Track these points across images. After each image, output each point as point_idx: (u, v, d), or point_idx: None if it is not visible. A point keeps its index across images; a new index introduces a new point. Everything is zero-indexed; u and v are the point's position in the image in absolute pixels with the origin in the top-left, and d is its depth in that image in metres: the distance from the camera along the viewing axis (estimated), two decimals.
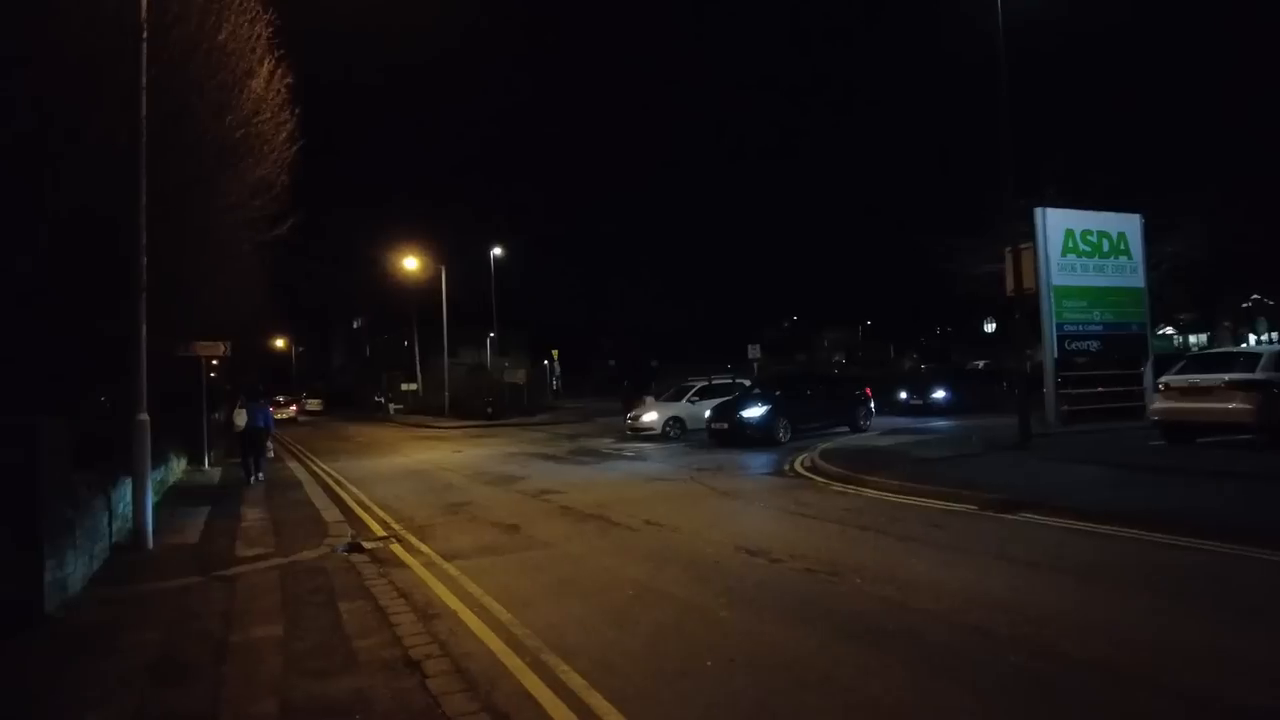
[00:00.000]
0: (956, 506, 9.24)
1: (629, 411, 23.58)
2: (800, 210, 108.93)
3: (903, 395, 26.10)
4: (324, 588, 6.65)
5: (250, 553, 8.18)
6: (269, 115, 10.95)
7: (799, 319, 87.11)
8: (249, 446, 15.10)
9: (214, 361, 21.72)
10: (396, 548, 8.51)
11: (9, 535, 5.71)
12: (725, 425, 18.24)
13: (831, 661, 4.47)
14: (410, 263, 41.30)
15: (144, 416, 8.29)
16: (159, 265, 9.12)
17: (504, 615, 5.60)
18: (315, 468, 18.12)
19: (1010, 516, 8.52)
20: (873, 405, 20.90)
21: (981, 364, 60.86)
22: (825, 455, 14.27)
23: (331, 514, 10.69)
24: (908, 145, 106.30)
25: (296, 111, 11.55)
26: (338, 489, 13.83)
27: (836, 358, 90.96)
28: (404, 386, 54.33)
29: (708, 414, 19.56)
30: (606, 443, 20.96)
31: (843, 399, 20.51)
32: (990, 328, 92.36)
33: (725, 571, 6.66)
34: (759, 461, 14.77)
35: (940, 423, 21.22)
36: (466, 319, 47.08)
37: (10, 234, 8.75)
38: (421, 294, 53.25)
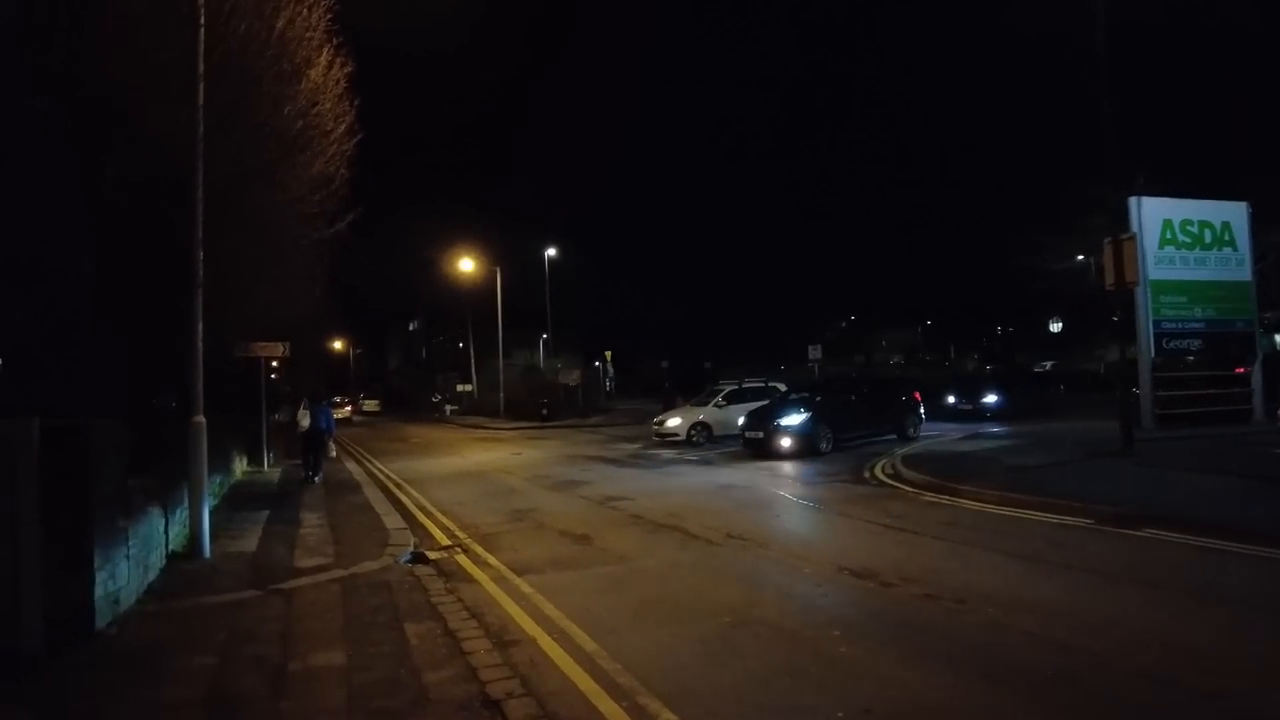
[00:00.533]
0: (1069, 520, 8.33)
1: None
2: (859, 207, 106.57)
3: (951, 399, 24.52)
4: (388, 606, 6.12)
5: (309, 563, 7.73)
6: (328, 106, 10.60)
7: (857, 319, 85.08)
8: (310, 446, 15.31)
9: (273, 363, 21.78)
10: (462, 559, 7.98)
11: (59, 547, 5.30)
12: (760, 434, 16.39)
13: (992, 718, 3.73)
14: (466, 264, 41.26)
15: (200, 419, 7.91)
16: (217, 261, 8.79)
17: (588, 644, 4.97)
18: (374, 469, 17.86)
19: (1134, 533, 7.60)
20: (922, 411, 19.06)
21: (1049, 365, 58.72)
22: (907, 461, 13.39)
23: (392, 520, 10.24)
24: (973, 137, 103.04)
25: (356, 103, 11.18)
26: (397, 492, 13.45)
27: (895, 359, 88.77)
28: (459, 388, 54.55)
29: (741, 420, 17.81)
30: (667, 448, 20.29)
31: (890, 404, 18.59)
32: (1057, 327, 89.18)
33: (831, 597, 5.93)
34: (829, 469, 13.93)
35: (994, 428, 19.87)
36: (519, 321, 46.92)
37: (72, 235, 8.52)
38: (476, 296, 53.40)
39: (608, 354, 52.15)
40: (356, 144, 11.46)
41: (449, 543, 8.88)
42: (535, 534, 9.12)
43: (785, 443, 15.77)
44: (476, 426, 36.56)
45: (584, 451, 19.78)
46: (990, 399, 23.64)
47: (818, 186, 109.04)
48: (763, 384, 22.47)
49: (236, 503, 12.20)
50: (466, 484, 14.39)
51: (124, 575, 5.94)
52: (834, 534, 8.46)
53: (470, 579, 7.07)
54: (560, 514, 10.36)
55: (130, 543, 6.13)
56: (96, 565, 5.44)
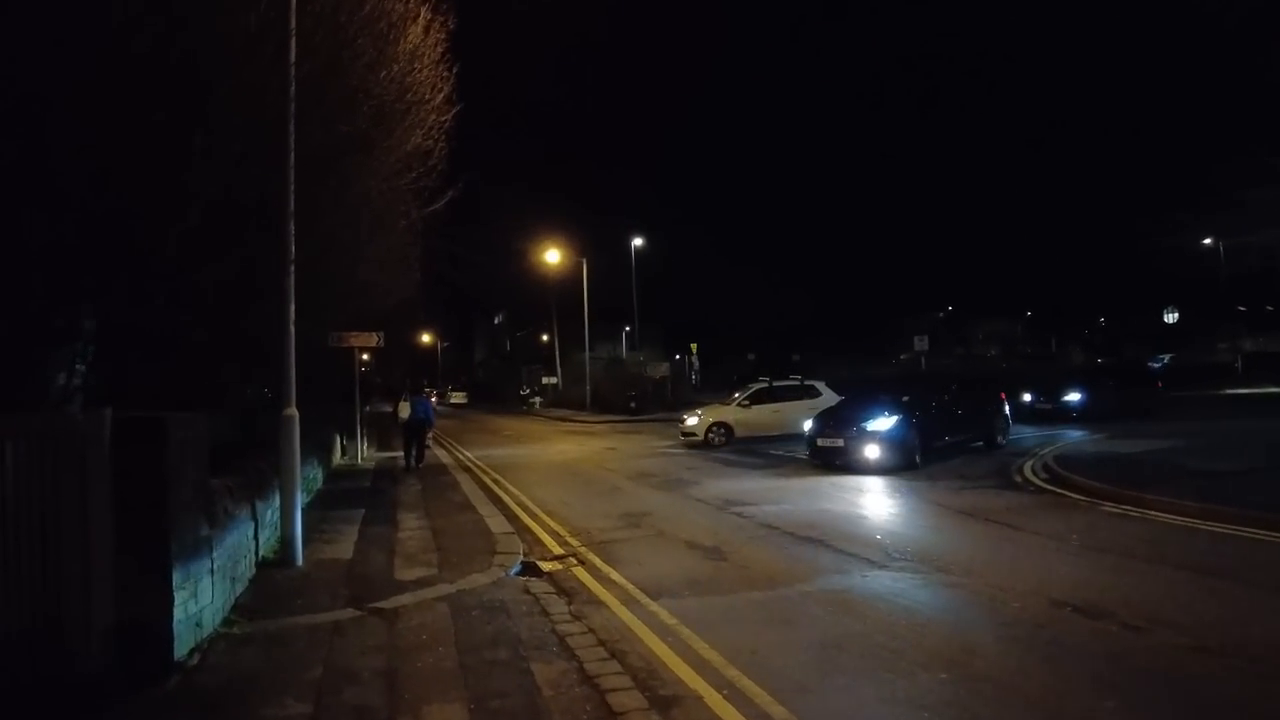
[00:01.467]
0: None
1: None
2: (958, 191, 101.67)
3: (1027, 398, 21.67)
4: (507, 635, 5.12)
5: (411, 575, 6.84)
6: (425, 73, 9.72)
7: (955, 309, 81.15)
8: (411, 436, 16.04)
9: (364, 356, 21.47)
10: (581, 573, 6.95)
11: (132, 563, 4.50)
12: (840, 442, 13.04)
13: None
14: (552, 255, 40.71)
15: (292, 411, 7.13)
16: (310, 240, 8.04)
17: (776, 709, 3.82)
18: (468, 462, 17.20)
19: None
20: (1009, 412, 16.38)
21: (1167, 359, 54.17)
22: (1064, 463, 11.75)
23: (496, 522, 9.35)
24: (1089, 114, 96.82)
25: (455, 69, 10.29)
26: (496, 489, 12.63)
27: (993, 351, 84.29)
28: (544, 380, 54.37)
29: (808, 425, 14.48)
30: (771, 444, 18.96)
31: (981, 407, 15.62)
32: (1172, 318, 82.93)
33: (1063, 643, 4.60)
34: (975, 470, 12.38)
35: (1074, 433, 17.25)
36: (602, 313, 46.13)
37: (159, 210, 7.89)
38: (560, 288, 53.16)
39: (693, 346, 51.01)
40: (455, 115, 10.60)
41: (561, 551, 7.89)
42: (658, 544, 8.04)
43: (872, 452, 12.54)
44: (564, 419, 35.97)
45: (680, 447, 18.65)
46: (1073, 397, 20.49)
47: (913, 170, 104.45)
48: (798, 382, 20.58)
49: (331, 500, 11.59)
50: (566, 480, 13.48)
51: (207, 593, 5.12)
52: (1021, 554, 7.03)
53: (596, 600, 6.02)
54: (679, 519, 9.25)
55: (215, 554, 5.32)
56: (176, 584, 4.62)
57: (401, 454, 18.24)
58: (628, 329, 65.87)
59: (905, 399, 14.02)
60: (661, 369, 36.68)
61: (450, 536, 8.54)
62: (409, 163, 10.09)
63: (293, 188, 7.15)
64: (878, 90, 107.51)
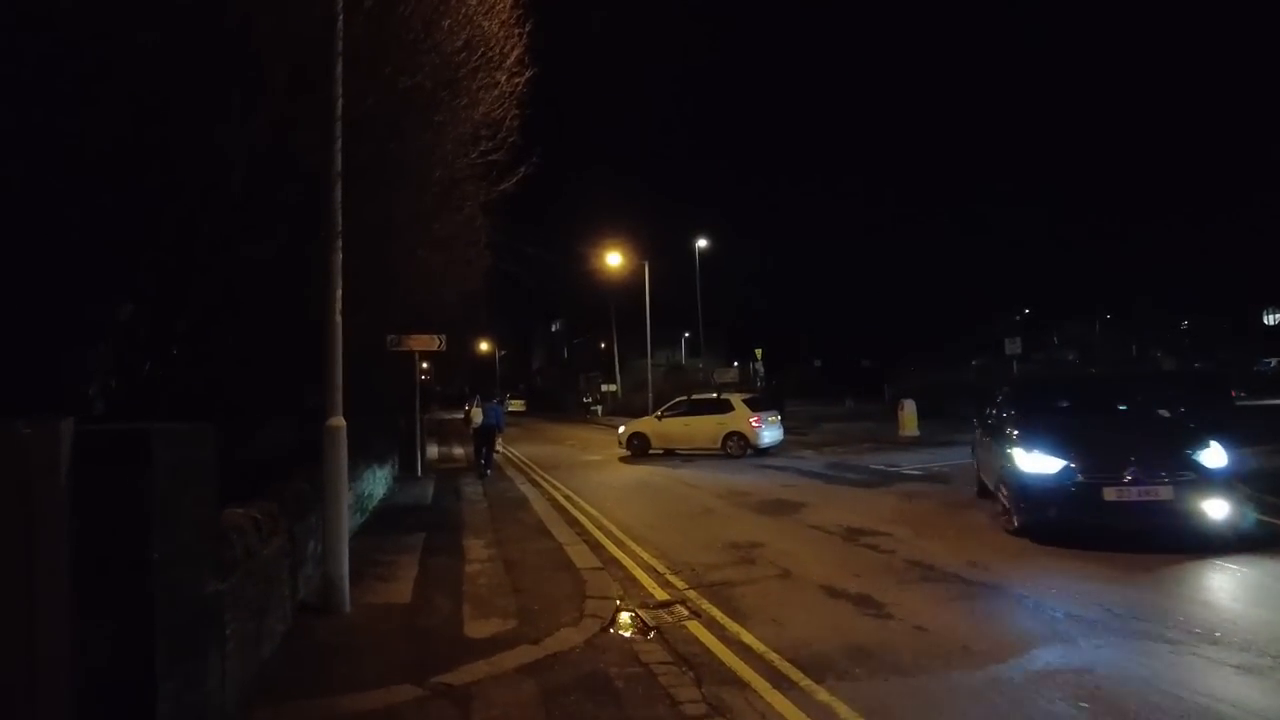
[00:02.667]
0: None
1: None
2: (1032, 188, 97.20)
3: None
4: None
5: (485, 629, 5.37)
6: (495, 25, 8.34)
7: (1030, 312, 77.24)
8: (482, 441, 16.48)
9: (423, 365, 20.30)
10: (699, 629, 5.38)
11: (99, 642, 3.11)
12: (1154, 492, 7.01)
13: None
14: (614, 258, 39.34)
15: (339, 421, 5.76)
16: (368, 205, 6.73)
17: None
18: (535, 475, 15.81)
19: None
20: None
21: (1275, 362, 49.99)
22: None
23: (579, 552, 7.87)
24: (1147, 98, 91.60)
25: (527, 27, 8.90)
26: (570, 507, 11.17)
27: (1070, 356, 79.84)
28: (603, 388, 53.14)
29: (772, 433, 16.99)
30: (862, 456, 17.13)
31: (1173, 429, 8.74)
32: (1275, 319, 77.91)
33: None
34: None
35: None
36: (662, 319, 44.23)
37: (194, 175, 6.65)
38: (619, 293, 51.98)
39: (758, 352, 49.09)
40: (529, 81, 9.19)
41: (666, 595, 6.32)
42: (788, 590, 6.40)
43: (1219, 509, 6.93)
44: None
45: (766, 460, 16.94)
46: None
47: (985, 169, 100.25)
48: (714, 397, 20.45)
49: (388, 521, 10.26)
50: (647, 498, 11.93)
51: (215, 672, 3.70)
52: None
53: (733, 678, 4.43)
54: (799, 554, 7.60)
55: (229, 616, 3.92)
56: (162, 670, 3.21)
57: (464, 465, 17.24)
58: (687, 335, 64.43)
59: (1063, 403, 9.45)
60: (729, 374, 34.94)
61: (527, 571, 7.06)
62: (477, 133, 8.72)
63: (339, 143, 5.79)
64: (958, 86, 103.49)
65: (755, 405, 19.11)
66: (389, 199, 7.59)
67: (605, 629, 5.46)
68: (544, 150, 9.72)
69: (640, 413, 41.43)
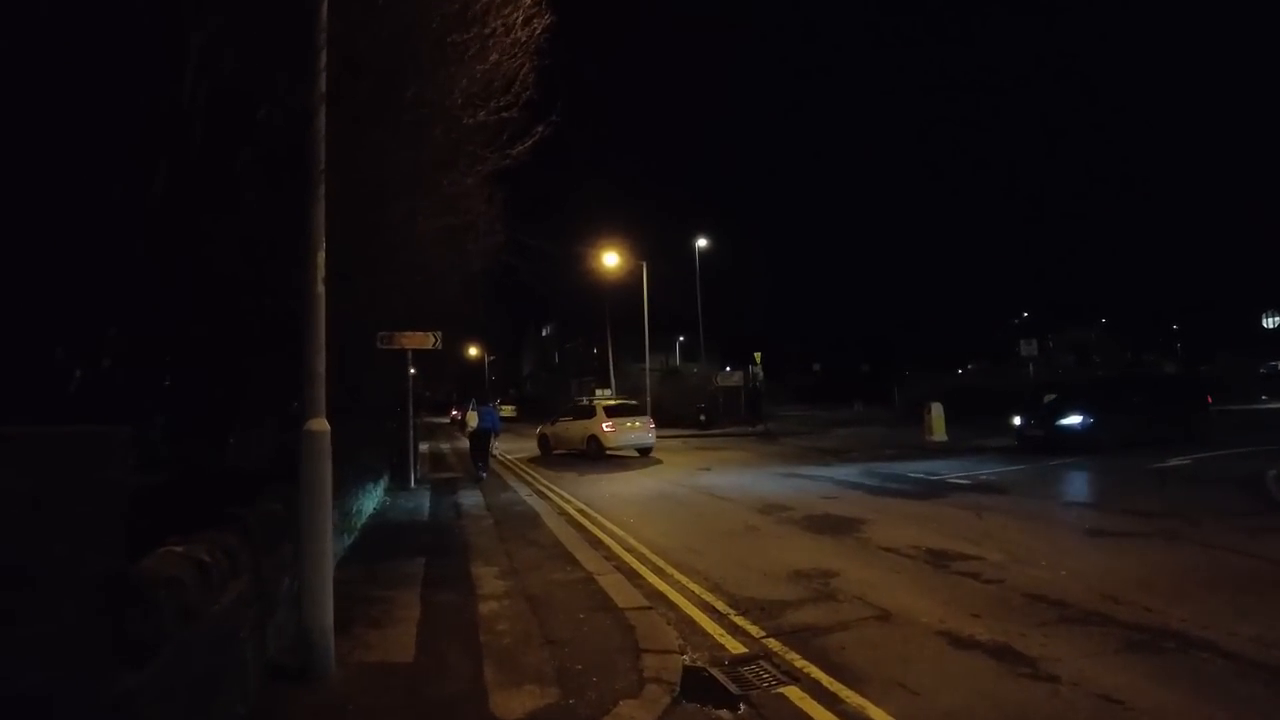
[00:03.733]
0: None
1: None
2: (1027, 194, 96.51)
3: (1017, 421, 17.61)
4: None
5: (519, 705, 3.97)
6: None
7: (1030, 315, 76.47)
8: (478, 444, 16.48)
9: (411, 372, 18.78)
10: (804, 701, 4.03)
11: None
12: None
13: None
14: (611, 259, 37.87)
15: (321, 424, 4.35)
16: (358, 152, 5.35)
17: None
18: (542, 485, 14.37)
19: None
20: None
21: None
22: None
23: (612, 582, 6.48)
24: (1149, 103, 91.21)
25: None
26: (588, 524, 9.77)
27: (1067, 359, 79.02)
28: (597, 393, 51.53)
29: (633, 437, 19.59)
30: (894, 463, 15.81)
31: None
32: (1273, 322, 76.89)
33: None
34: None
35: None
36: (654, 325, 42.55)
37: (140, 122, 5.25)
38: (613, 296, 50.82)
39: (757, 356, 47.76)
40: (545, 31, 7.82)
41: (741, 648, 4.94)
42: (896, 637, 5.03)
43: None
44: None
45: (791, 468, 15.58)
46: (1071, 420, 16.17)
47: (983, 173, 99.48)
48: (585, 403, 24.56)
49: (380, 542, 8.82)
50: (673, 512, 10.54)
51: None
52: None
53: None
54: (888, 586, 6.25)
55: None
56: None
57: (458, 475, 15.92)
58: (682, 339, 63.25)
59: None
60: (733, 378, 33.57)
61: (557, 612, 5.66)
62: (489, 84, 7.36)
63: (323, 56, 4.41)
64: (956, 93, 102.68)
65: (618, 412, 20.67)
66: (385, 152, 6.20)
67: (677, 700, 4.08)
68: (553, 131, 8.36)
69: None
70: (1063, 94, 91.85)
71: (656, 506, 11.26)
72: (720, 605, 5.90)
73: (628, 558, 7.71)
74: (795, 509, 10.26)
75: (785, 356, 62.02)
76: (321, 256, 4.40)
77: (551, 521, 9.94)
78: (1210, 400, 18.49)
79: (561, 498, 12.57)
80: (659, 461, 18.45)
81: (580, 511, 10.97)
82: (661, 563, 7.42)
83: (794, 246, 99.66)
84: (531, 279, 13.94)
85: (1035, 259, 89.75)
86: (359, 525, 9.55)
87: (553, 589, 6.35)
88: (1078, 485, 11.84)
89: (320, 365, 4.33)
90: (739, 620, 5.53)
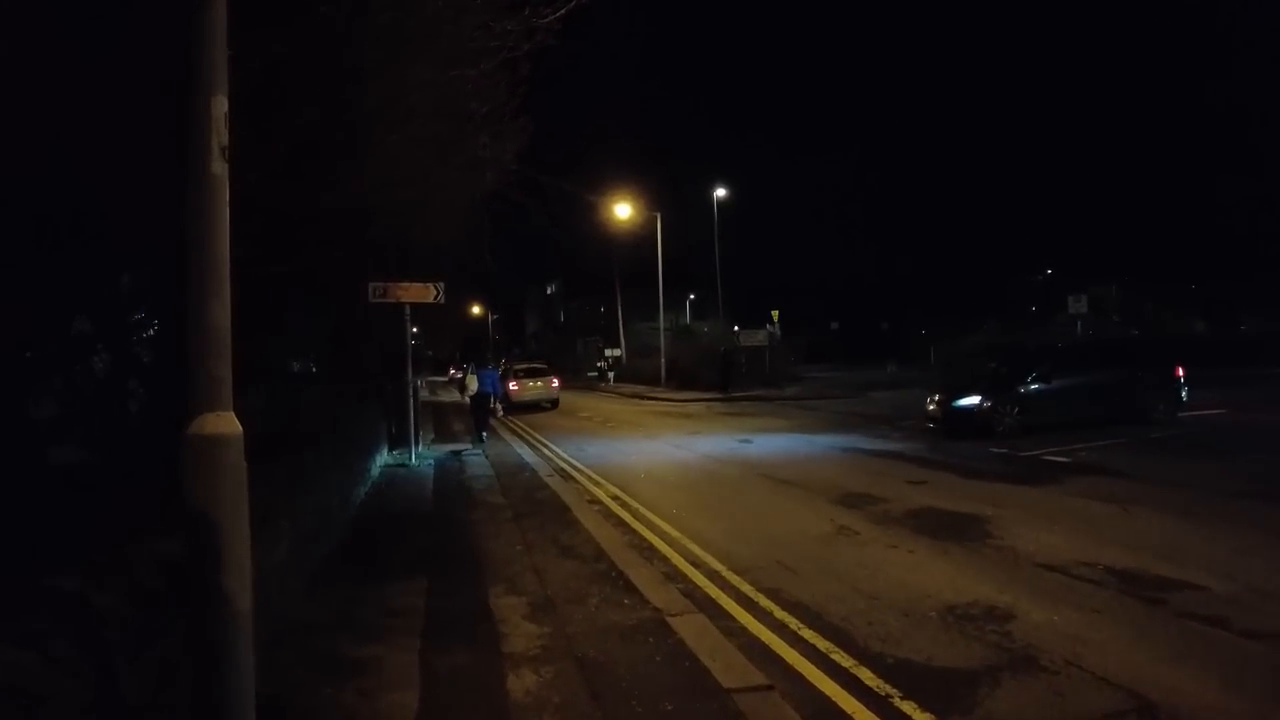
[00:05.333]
0: None
1: None
2: (1050, 144, 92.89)
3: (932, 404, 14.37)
4: None
5: None
6: None
7: (1054, 272, 73.88)
8: (479, 409, 15.96)
9: (413, 330, 16.75)
10: None
11: None
12: None
13: None
14: (623, 210, 35.41)
15: (221, 425, 2.28)
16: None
17: None
18: (560, 461, 12.43)
19: None
20: None
21: None
22: None
23: (694, 627, 4.52)
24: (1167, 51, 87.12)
25: None
26: (630, 519, 7.83)
27: (1088, 317, 76.58)
28: (607, 352, 49.53)
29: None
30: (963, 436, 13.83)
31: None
32: None
33: None
34: None
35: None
36: (665, 282, 40.12)
37: None
38: (623, 252, 48.60)
39: (775, 314, 45.63)
40: None
41: None
42: None
43: None
44: (640, 396, 31.13)
45: (847, 440, 13.60)
46: (970, 402, 13.35)
47: (1005, 121, 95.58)
48: (544, 366, 28.78)
49: (369, 546, 6.86)
50: (732, 503, 8.58)
51: None
52: None
53: None
54: (1106, 642, 4.26)
55: None
56: None
57: (467, 446, 14.05)
58: (692, 296, 61.04)
59: None
60: (758, 337, 31.43)
61: (630, 699, 3.69)
62: None
63: None
64: (978, 41, 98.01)
65: (525, 375, 26.64)
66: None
67: None
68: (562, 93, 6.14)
69: (651, 379, 38.23)
70: (1088, 53, 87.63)
71: (708, 493, 9.29)
72: (868, 677, 3.93)
73: (698, 578, 5.75)
74: (886, 500, 8.28)
75: (802, 313, 59.79)
76: (220, 108, 2.32)
77: (585, 517, 7.97)
78: (1180, 373, 14.37)
79: (589, 478, 10.59)
80: (695, 432, 16.47)
81: (615, 498, 9.03)
82: (749, 589, 5.46)
83: (814, 202, 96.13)
84: (545, 222, 11.73)
85: (1053, 213, 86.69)
86: (349, 518, 7.60)
87: (612, 644, 4.38)
88: (1205, 465, 9.84)
89: (218, 315, 2.28)
90: (911, 710, 3.57)
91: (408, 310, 11.96)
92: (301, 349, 14.44)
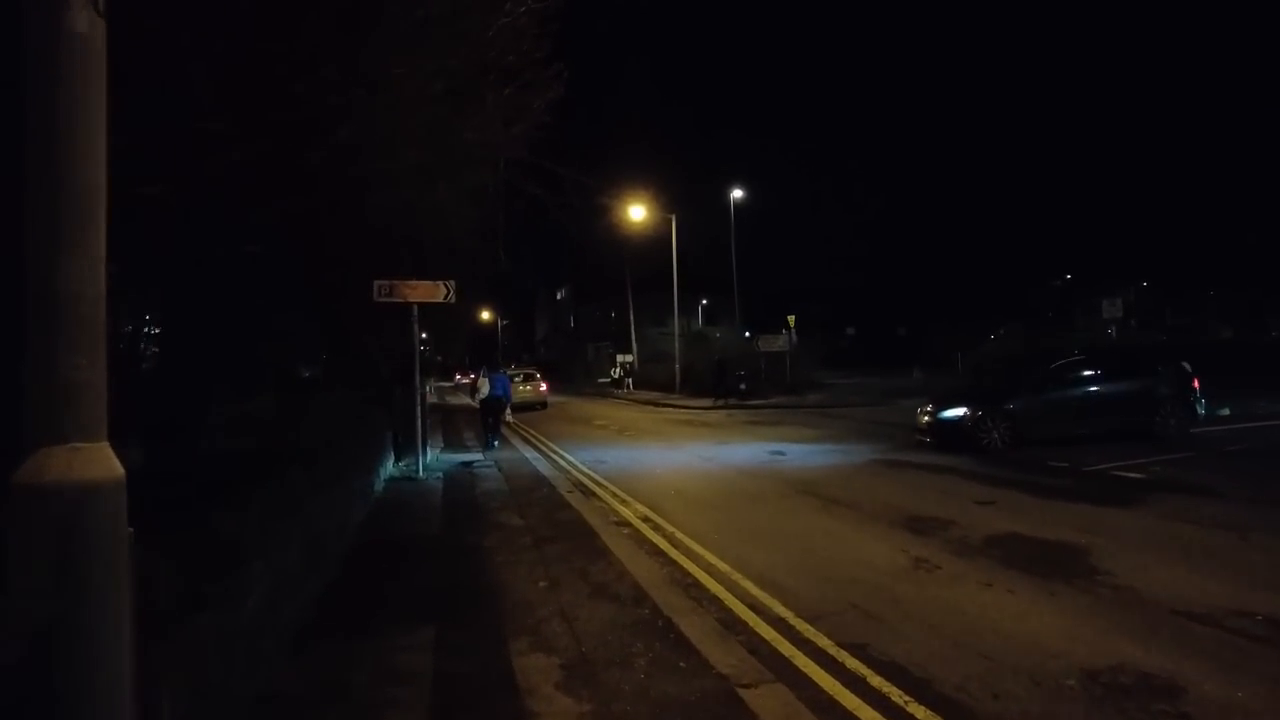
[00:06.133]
0: None
1: None
2: (1068, 149, 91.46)
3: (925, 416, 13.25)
4: None
5: None
6: None
7: (1073, 278, 72.50)
8: (489, 413, 15.74)
9: (423, 335, 15.91)
10: None
11: None
12: None
13: None
14: (637, 211, 34.41)
15: (91, 468, 1.29)
16: None
17: None
18: (578, 473, 11.45)
19: None
20: None
21: None
22: None
23: (781, 710, 3.53)
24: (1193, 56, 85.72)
25: None
26: (669, 549, 6.83)
27: (1109, 327, 75.30)
28: (620, 358, 48.57)
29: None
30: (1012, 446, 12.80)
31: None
32: None
33: None
34: None
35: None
36: (668, 287, 38.96)
37: None
38: (635, 256, 47.73)
39: (790, 319, 44.62)
40: None
41: None
42: None
43: None
44: (655, 404, 30.13)
45: (888, 453, 12.57)
46: (955, 413, 12.42)
47: (1018, 124, 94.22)
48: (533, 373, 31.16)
49: (368, 581, 5.88)
50: (784, 531, 7.58)
51: None
52: None
53: None
54: None
55: None
56: None
57: (478, 457, 13.17)
58: (705, 301, 60.05)
59: None
60: (777, 342, 30.37)
61: None
62: None
63: None
64: (996, 50, 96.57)
65: (518, 379, 27.81)
66: None
67: None
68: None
69: (664, 385, 37.22)
70: (1106, 60, 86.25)
71: (749, 515, 8.29)
72: None
73: (763, 629, 4.75)
74: (955, 523, 7.26)
75: (817, 318, 58.75)
76: None
77: (614, 541, 6.99)
78: (1196, 384, 12.82)
79: (614, 496, 9.60)
80: (720, 441, 15.47)
81: (646, 519, 8.04)
82: (827, 643, 4.47)
83: (828, 205, 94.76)
84: (561, 217, 10.71)
85: (1071, 219, 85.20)
86: (342, 550, 6.64)
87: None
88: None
89: (77, 277, 1.32)
90: None
91: (415, 311, 11.03)
92: (312, 354, 13.61)
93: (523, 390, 27.62)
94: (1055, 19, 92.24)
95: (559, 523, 7.94)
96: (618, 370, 43.24)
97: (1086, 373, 12.83)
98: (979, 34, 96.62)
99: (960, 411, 12.32)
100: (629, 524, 7.92)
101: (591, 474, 11.55)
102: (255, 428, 8.36)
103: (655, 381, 39.70)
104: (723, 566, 6.16)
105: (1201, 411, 12.95)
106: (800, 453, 12.97)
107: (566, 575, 5.93)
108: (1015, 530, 6.90)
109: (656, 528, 7.70)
